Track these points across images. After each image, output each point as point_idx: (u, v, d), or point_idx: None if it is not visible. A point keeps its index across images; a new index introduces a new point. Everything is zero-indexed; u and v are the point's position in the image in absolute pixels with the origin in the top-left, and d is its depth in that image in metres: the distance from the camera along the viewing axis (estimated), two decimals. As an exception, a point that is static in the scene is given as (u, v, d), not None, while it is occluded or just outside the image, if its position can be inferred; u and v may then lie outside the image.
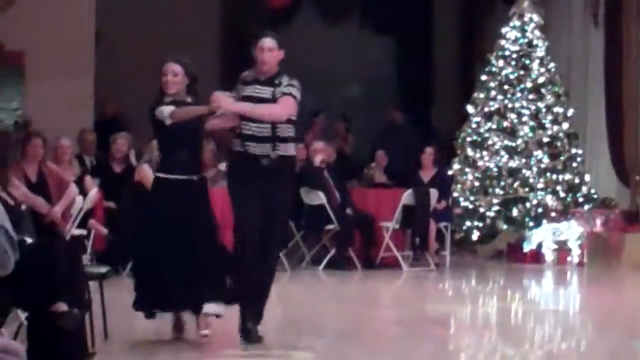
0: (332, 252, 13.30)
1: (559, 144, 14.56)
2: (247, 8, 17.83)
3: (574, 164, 14.58)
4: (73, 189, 10.28)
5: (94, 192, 11.23)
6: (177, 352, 7.86)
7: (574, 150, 14.64)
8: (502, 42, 14.95)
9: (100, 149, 13.60)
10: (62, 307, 6.51)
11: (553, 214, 14.09)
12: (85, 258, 10.74)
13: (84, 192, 10.95)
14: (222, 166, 13.88)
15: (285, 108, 7.81)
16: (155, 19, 17.58)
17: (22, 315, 6.51)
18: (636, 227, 13.82)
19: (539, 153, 14.44)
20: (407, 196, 13.44)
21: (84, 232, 11.07)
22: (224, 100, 7.90)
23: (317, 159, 13.68)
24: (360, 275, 13.02)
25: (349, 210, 13.47)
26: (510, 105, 14.67)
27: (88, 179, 11.75)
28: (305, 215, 13.40)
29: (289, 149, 7.87)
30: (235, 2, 18.43)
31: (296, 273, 12.97)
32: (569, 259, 13.83)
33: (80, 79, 14.75)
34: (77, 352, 6.79)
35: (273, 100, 7.91)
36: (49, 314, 6.44)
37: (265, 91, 7.97)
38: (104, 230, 11.82)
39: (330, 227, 13.27)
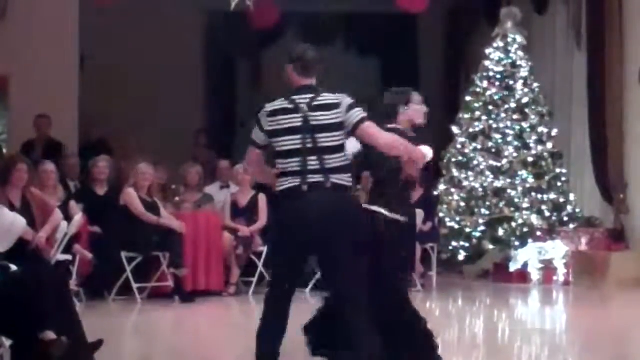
0: (319, 273, 13.27)
1: (543, 163, 14.59)
2: (232, 30, 17.84)
3: (559, 184, 14.62)
4: (57, 214, 10.24)
5: (78, 217, 11.21)
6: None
7: (558, 170, 14.68)
8: (486, 63, 15.01)
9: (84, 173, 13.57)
10: (50, 335, 6.49)
11: (538, 234, 14.11)
12: (72, 283, 10.71)
13: (68, 217, 10.93)
14: (209, 189, 13.90)
15: None
16: (140, 43, 17.59)
17: (7, 342, 6.47)
18: (621, 246, 13.86)
19: (523, 173, 14.47)
20: (393, 217, 13.43)
21: (69, 257, 11.04)
22: None
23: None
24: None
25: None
26: (494, 126, 14.70)
27: (72, 204, 11.74)
28: (292, 237, 13.37)
29: None
30: (220, 24, 18.44)
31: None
32: (554, 278, 13.85)
33: (65, 103, 14.74)
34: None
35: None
36: (37, 342, 6.42)
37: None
38: (89, 255, 11.79)
39: (316, 249, 13.24)
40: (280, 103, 6.62)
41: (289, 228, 6.57)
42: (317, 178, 6.50)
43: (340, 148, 6.59)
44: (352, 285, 6.50)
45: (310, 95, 6.60)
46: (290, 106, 6.58)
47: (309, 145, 6.50)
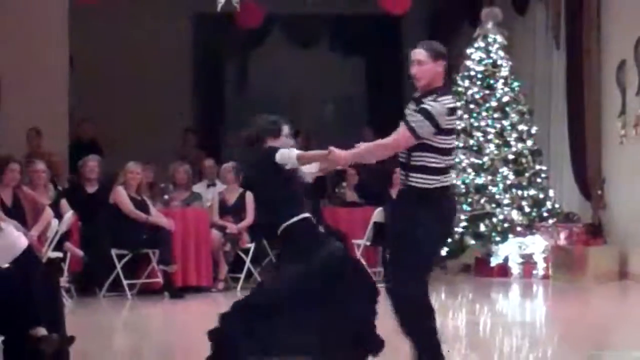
0: (305, 269, 13.28)
1: (523, 160, 14.63)
2: (219, 31, 17.85)
3: (538, 180, 14.65)
4: (48, 212, 10.29)
5: (69, 215, 11.23)
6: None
7: (538, 167, 14.71)
8: (468, 62, 15.03)
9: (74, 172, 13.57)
10: (41, 331, 6.50)
11: (519, 229, 14.15)
12: (63, 280, 10.72)
13: (59, 215, 10.94)
14: (196, 187, 13.91)
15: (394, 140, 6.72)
16: (129, 44, 17.60)
17: (-1, 338, 6.49)
18: (599, 240, 13.89)
19: (504, 170, 14.51)
20: (378, 214, 13.47)
21: (60, 254, 11.04)
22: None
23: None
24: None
25: (321, 229, 13.46)
26: (476, 124, 14.73)
27: (63, 202, 11.73)
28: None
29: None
30: (206, 26, 18.45)
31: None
32: (534, 272, 13.89)
33: (55, 104, 14.72)
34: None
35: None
36: (28, 338, 6.43)
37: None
38: (80, 253, 11.79)
39: (303, 245, 13.26)
40: (453, 102, 6.75)
41: (450, 221, 6.98)
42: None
43: None
44: None
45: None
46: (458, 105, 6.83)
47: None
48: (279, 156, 6.96)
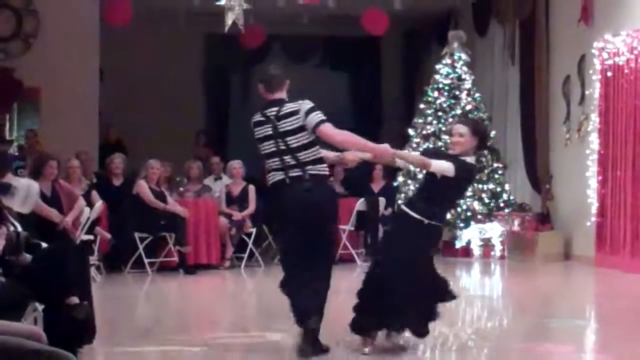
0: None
1: (483, 159, 14.61)
2: (227, 49, 17.84)
3: (496, 176, 14.65)
4: (81, 201, 10.26)
5: (99, 204, 11.20)
6: (172, 334, 7.83)
7: (495, 165, 14.70)
8: (437, 76, 15.01)
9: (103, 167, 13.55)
10: (74, 300, 6.49)
11: (479, 217, 14.15)
12: (93, 259, 10.70)
13: (90, 204, 10.92)
14: (206, 181, 13.89)
15: None
16: (149, 60, 17.58)
17: (40, 307, 6.46)
18: (547, 227, 13.90)
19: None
20: (360, 204, 13.50)
21: (91, 237, 11.01)
22: None
23: (285, 174, 13.67)
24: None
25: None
26: (444, 129, 14.71)
27: (94, 193, 11.70)
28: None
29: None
30: (216, 44, 18.43)
31: (269, 268, 12.96)
32: (492, 253, 13.90)
33: (87, 110, 14.71)
34: (87, 337, 6.78)
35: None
36: (64, 306, 6.42)
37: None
38: (108, 236, 11.77)
39: (296, 230, 13.25)
40: (256, 116, 6.83)
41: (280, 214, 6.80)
42: (296, 172, 6.62)
43: (310, 145, 6.65)
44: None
45: (276, 108, 6.72)
46: (262, 119, 6.77)
47: (282, 147, 6.65)
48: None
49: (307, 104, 6.72)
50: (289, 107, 6.72)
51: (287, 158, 6.66)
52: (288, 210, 6.67)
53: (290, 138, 6.65)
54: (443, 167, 6.66)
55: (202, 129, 18.16)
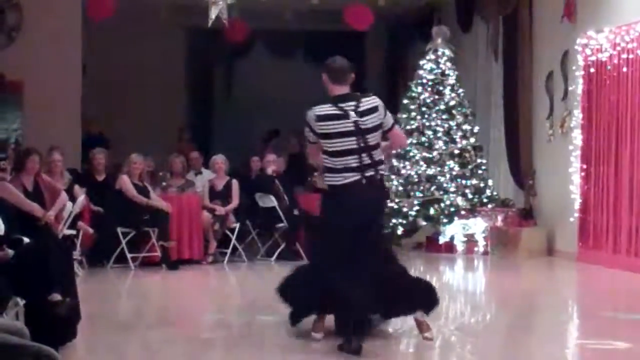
0: (282, 246, 13.30)
1: (467, 155, 14.64)
2: (210, 43, 17.78)
3: (479, 172, 14.67)
4: (64, 195, 10.21)
5: (81, 198, 11.16)
6: (154, 329, 7.81)
7: (479, 160, 14.73)
8: (420, 72, 15.01)
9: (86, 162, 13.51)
10: (57, 297, 6.46)
11: (463, 212, 14.18)
12: (75, 254, 10.66)
13: (73, 199, 10.87)
14: (189, 176, 13.86)
15: None
16: (132, 55, 17.51)
17: (21, 302, 6.43)
18: (530, 222, 13.94)
19: (450, 163, 14.52)
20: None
21: (73, 232, 10.98)
22: None
23: (270, 169, 13.68)
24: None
25: (296, 212, 13.47)
26: (427, 124, 14.73)
27: (77, 187, 11.66)
28: (260, 215, 13.39)
29: None
30: (199, 38, 18.37)
31: (252, 263, 12.97)
32: (475, 249, 13.92)
33: (70, 104, 14.64)
34: (69, 334, 6.76)
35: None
36: (46, 302, 6.39)
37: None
38: (91, 230, 11.73)
39: (280, 225, 13.28)
40: (326, 109, 6.58)
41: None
42: (370, 172, 6.50)
43: (379, 144, 6.62)
44: None
45: (354, 102, 6.56)
46: (338, 112, 6.53)
47: (362, 145, 6.48)
48: None
49: (380, 101, 6.60)
50: (368, 102, 6.56)
51: (365, 156, 6.48)
52: (360, 211, 6.47)
53: (370, 135, 6.48)
54: None
55: (185, 124, 18.10)
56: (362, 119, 6.48)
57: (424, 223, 14.41)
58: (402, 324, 7.52)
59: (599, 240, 12.41)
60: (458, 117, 14.78)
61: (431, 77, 14.91)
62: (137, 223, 12.10)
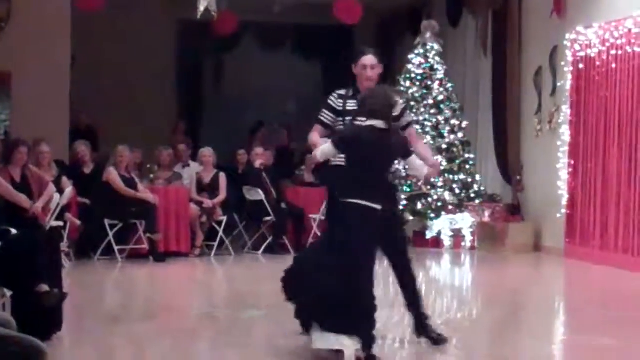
0: (270, 239, 13.31)
1: (455, 150, 14.67)
2: (199, 36, 17.74)
3: (467, 167, 14.70)
4: (51, 187, 10.17)
5: (69, 190, 11.13)
6: (141, 321, 7.81)
7: (467, 155, 14.76)
8: (409, 66, 15.03)
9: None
10: (44, 287, 6.45)
11: (450, 207, 14.20)
12: (63, 246, 10.63)
13: (60, 190, 10.85)
14: (177, 168, 13.84)
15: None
16: (121, 47, 17.46)
17: (8, 293, 6.42)
18: (517, 218, 13.98)
19: (438, 157, 14.53)
20: (331, 193, 13.48)
21: (61, 223, 10.95)
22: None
23: (257, 163, 13.67)
24: (293, 258, 13.00)
25: (283, 205, 13.48)
26: (415, 118, 14.75)
27: (64, 179, 11.63)
28: (247, 208, 13.39)
29: None
30: (189, 31, 18.32)
31: (240, 257, 12.97)
32: (463, 244, 13.96)
33: (58, 95, 14.56)
34: (56, 325, 6.75)
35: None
36: (33, 293, 6.38)
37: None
38: (78, 222, 11.71)
39: (267, 218, 13.28)
40: None
41: None
42: None
43: None
44: None
45: None
46: None
47: None
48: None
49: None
50: None
51: None
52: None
53: None
54: None
55: (179, 117, 18.07)
56: None
57: (411, 218, 14.42)
58: (388, 320, 7.53)
59: (586, 236, 12.45)
60: (446, 111, 14.80)
61: (420, 71, 14.93)
62: (124, 215, 12.08)
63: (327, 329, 6.09)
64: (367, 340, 6.08)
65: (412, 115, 14.67)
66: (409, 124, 6.93)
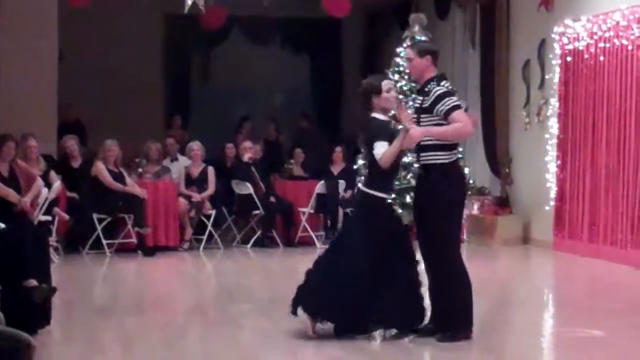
0: (258, 233, 13.31)
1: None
2: (186, 29, 17.70)
3: (456, 159, 14.69)
4: (39, 182, 10.18)
5: (57, 184, 11.13)
6: (129, 315, 7.81)
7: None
8: (397, 59, 15.02)
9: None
10: (32, 282, 6.45)
11: (439, 200, 14.19)
12: (51, 240, 10.63)
13: (48, 185, 10.84)
14: (165, 162, 13.83)
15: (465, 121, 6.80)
16: (109, 41, 17.41)
17: (-4, 288, 6.41)
18: (506, 211, 14.00)
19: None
20: (320, 186, 13.52)
21: (49, 218, 10.94)
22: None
23: (246, 156, 13.66)
24: (282, 252, 13.05)
25: (272, 198, 13.48)
26: (404, 111, 14.73)
27: (52, 173, 11.61)
28: (236, 202, 13.39)
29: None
30: (176, 25, 18.28)
31: (228, 251, 12.96)
32: (452, 237, 13.94)
33: (46, 90, 14.52)
34: (45, 319, 6.75)
35: (422, 108, 6.81)
36: (21, 288, 6.38)
37: (419, 100, 6.92)
38: (66, 216, 11.70)
39: (256, 212, 13.28)
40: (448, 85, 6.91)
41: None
42: None
43: None
44: None
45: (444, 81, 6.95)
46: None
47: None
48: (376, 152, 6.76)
49: None
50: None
51: None
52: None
53: None
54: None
55: (176, 112, 18.04)
56: None
57: (400, 210, 14.41)
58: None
59: (574, 229, 12.49)
60: (435, 105, 14.79)
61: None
62: (113, 209, 12.07)
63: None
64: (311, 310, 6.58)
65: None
66: (451, 109, 6.70)
